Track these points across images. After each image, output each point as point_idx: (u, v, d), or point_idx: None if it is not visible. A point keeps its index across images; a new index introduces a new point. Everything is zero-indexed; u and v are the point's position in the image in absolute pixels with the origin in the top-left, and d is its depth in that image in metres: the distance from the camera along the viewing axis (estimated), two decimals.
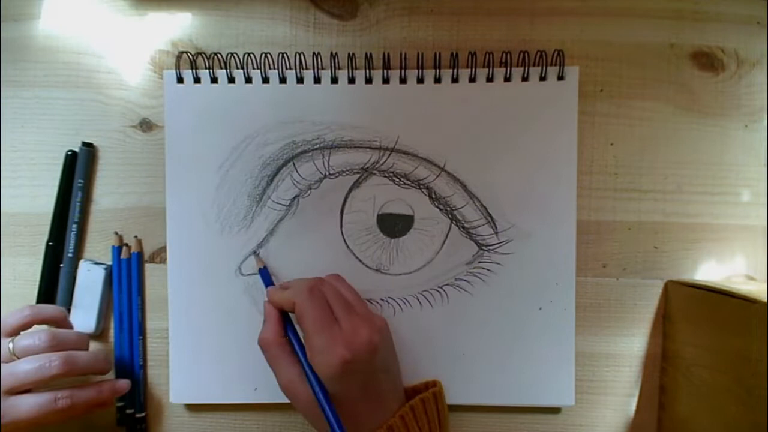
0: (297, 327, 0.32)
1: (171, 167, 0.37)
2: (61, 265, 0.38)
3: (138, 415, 0.38)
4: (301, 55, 0.36)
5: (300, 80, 0.36)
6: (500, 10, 0.37)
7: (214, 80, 0.36)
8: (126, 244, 0.38)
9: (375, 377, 0.31)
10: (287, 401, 0.37)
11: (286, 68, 0.36)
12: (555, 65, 0.36)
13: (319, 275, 0.36)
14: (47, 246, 0.38)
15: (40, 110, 0.38)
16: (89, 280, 0.38)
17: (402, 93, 0.36)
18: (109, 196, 0.38)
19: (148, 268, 0.38)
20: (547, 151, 0.36)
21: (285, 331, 0.33)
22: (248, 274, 0.37)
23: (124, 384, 0.35)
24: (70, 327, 0.36)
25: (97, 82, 0.38)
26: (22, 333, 0.33)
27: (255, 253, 0.37)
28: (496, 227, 0.36)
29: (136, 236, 0.38)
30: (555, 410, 0.38)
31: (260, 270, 0.36)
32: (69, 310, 0.38)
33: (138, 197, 0.38)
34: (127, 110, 0.38)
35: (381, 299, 0.36)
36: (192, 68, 0.36)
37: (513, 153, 0.36)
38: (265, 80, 0.36)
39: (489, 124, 0.36)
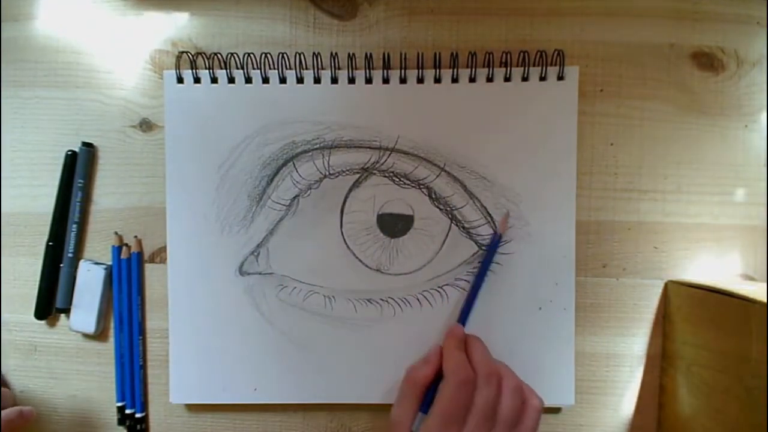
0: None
1: (171, 167, 0.37)
2: (61, 265, 0.38)
3: (138, 415, 0.38)
4: (301, 55, 0.36)
5: (300, 80, 0.36)
6: (500, 10, 0.37)
7: (214, 80, 0.36)
8: (126, 244, 0.38)
9: None
10: (287, 401, 0.37)
11: (286, 68, 0.36)
12: (555, 65, 0.36)
13: (319, 275, 0.36)
14: (47, 246, 0.38)
15: (40, 110, 0.38)
16: (89, 280, 0.38)
17: (402, 93, 0.36)
18: (109, 196, 0.38)
19: (148, 268, 0.38)
20: (547, 151, 0.36)
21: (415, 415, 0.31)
22: (249, 274, 0.37)
23: (30, 411, 0.34)
24: None
25: (97, 82, 0.38)
26: None
27: (507, 213, 0.35)
28: (496, 227, 0.36)
29: (136, 236, 0.38)
30: (555, 410, 0.38)
31: (495, 240, 0.35)
32: (69, 310, 0.38)
33: (138, 197, 0.38)
34: (126, 110, 0.38)
35: (381, 299, 0.36)
36: (192, 68, 0.36)
37: (513, 153, 0.36)
38: (265, 80, 0.36)
39: (489, 124, 0.36)
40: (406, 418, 0.31)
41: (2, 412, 0.33)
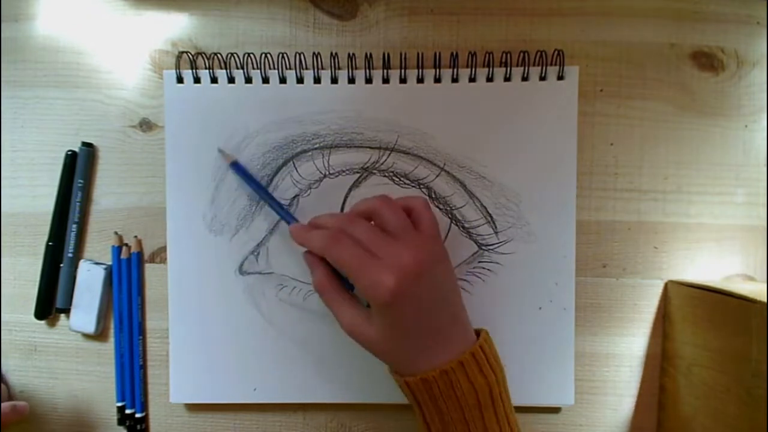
0: None
1: (171, 167, 0.37)
2: (61, 265, 0.38)
3: (138, 415, 0.38)
4: (301, 55, 0.36)
5: (300, 80, 0.36)
6: (500, 10, 0.37)
7: (214, 80, 0.36)
8: (126, 244, 0.38)
9: (432, 306, 0.28)
10: (287, 401, 0.37)
11: (286, 68, 0.36)
12: (555, 65, 0.36)
13: None
14: (47, 246, 0.38)
15: (40, 110, 0.38)
16: (89, 280, 0.38)
17: (402, 93, 0.36)
18: (109, 196, 0.38)
19: (148, 268, 0.38)
20: (547, 151, 0.36)
21: (334, 270, 0.31)
22: (249, 273, 0.37)
23: (24, 406, 0.35)
24: None
25: (97, 82, 0.38)
26: None
27: (218, 148, 0.36)
28: (495, 227, 0.36)
29: (136, 236, 0.38)
30: (555, 410, 0.38)
31: (233, 164, 0.35)
32: (69, 310, 0.38)
33: (138, 197, 0.38)
34: (127, 110, 0.38)
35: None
36: (192, 68, 0.36)
37: (513, 153, 0.36)
38: (265, 80, 0.36)
39: (489, 123, 0.36)
40: (324, 280, 0.30)
41: None
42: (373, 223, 0.30)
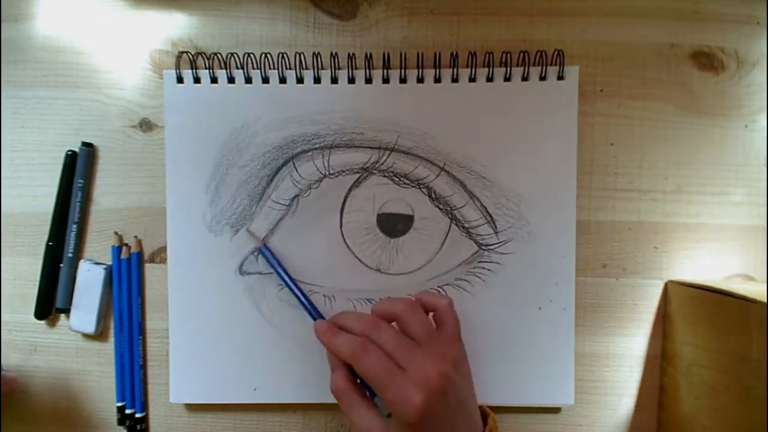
0: None
1: (171, 167, 0.37)
2: (61, 265, 0.38)
3: (138, 415, 0.38)
4: (301, 55, 0.36)
5: (300, 80, 0.36)
6: (500, 10, 0.37)
7: (214, 80, 0.36)
8: (126, 244, 0.38)
9: (454, 418, 0.28)
10: (287, 401, 0.37)
11: (286, 68, 0.36)
12: (555, 65, 0.36)
13: (319, 275, 0.36)
14: (47, 246, 0.38)
15: (40, 110, 0.38)
16: (89, 280, 0.38)
17: (402, 93, 0.36)
18: (109, 196, 0.38)
19: (148, 268, 0.38)
20: (547, 151, 0.36)
21: (355, 374, 0.30)
22: (249, 273, 0.37)
23: (13, 377, 0.36)
24: None
25: (97, 82, 0.38)
26: None
27: (247, 228, 0.36)
28: (495, 227, 0.36)
29: (136, 236, 0.38)
30: (555, 410, 0.38)
31: (261, 249, 0.35)
32: (69, 310, 0.38)
33: (138, 197, 0.38)
34: (127, 110, 0.38)
35: (381, 299, 0.36)
36: (192, 68, 0.36)
37: (513, 153, 0.36)
38: (265, 80, 0.36)
39: (489, 123, 0.36)
40: (344, 384, 0.30)
41: None
42: (395, 324, 0.31)
